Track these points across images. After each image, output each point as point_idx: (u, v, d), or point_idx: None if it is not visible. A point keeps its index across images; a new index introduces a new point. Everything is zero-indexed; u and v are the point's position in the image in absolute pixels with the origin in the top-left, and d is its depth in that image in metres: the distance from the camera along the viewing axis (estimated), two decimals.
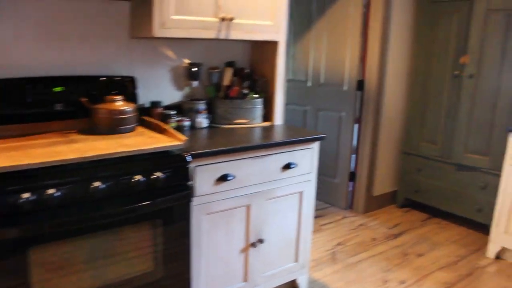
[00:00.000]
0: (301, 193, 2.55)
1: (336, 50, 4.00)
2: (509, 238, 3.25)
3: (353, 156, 4.10)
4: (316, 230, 3.72)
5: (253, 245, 2.35)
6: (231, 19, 2.34)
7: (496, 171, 3.46)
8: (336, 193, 4.24)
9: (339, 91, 4.04)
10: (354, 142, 4.06)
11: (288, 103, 4.47)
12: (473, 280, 3.03)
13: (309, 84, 4.27)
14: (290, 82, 4.43)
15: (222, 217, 2.21)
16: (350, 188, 4.17)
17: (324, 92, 4.16)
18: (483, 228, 3.70)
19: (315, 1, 4.11)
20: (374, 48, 3.80)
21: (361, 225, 3.85)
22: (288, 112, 4.49)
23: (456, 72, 3.64)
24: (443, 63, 3.74)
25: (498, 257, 3.36)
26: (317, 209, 4.16)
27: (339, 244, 3.49)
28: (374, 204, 4.17)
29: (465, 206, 3.75)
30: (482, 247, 3.51)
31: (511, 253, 3.32)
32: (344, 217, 4.00)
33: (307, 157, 2.50)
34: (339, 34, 3.95)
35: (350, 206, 4.20)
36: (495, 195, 3.38)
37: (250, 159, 2.23)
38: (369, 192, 4.09)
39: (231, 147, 2.12)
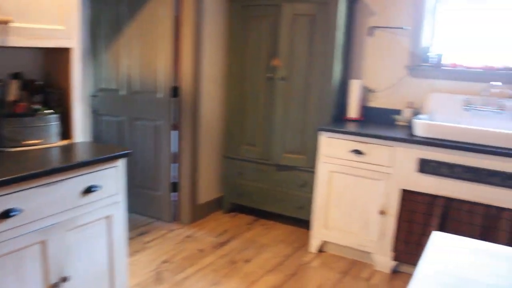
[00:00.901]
0: (109, 217, 2.23)
1: (149, 56, 3.74)
2: (328, 232, 3.40)
3: (176, 165, 3.89)
4: (140, 249, 3.42)
5: (56, 286, 1.97)
6: (6, 22, 1.91)
7: (312, 169, 3.59)
8: (160, 206, 3.98)
9: (154, 98, 3.79)
10: (175, 150, 3.86)
11: (102, 114, 4.06)
12: (299, 278, 3.08)
13: (123, 93, 3.93)
14: (103, 92, 4.03)
15: (9, 260, 1.78)
16: (174, 199, 3.95)
17: (139, 100, 3.87)
18: (306, 225, 3.82)
19: (124, 3, 3.78)
20: (187, 53, 3.64)
21: (188, 237, 3.67)
22: (103, 124, 4.09)
23: (269, 75, 3.69)
24: (257, 66, 3.76)
25: (320, 250, 3.49)
26: (141, 225, 3.86)
27: (164, 261, 3.24)
28: (200, 212, 4.03)
29: (288, 205, 3.83)
30: (306, 243, 3.62)
31: (331, 245, 3.47)
32: (170, 231, 3.77)
33: (112, 177, 2.19)
34: (151, 39, 3.70)
35: (175, 218, 3.98)
36: (313, 192, 3.50)
37: (41, 187, 1.84)
38: (194, 201, 3.93)
39: (12, 176, 1.70)
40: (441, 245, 1.44)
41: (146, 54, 3.75)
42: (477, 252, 1.41)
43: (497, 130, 2.87)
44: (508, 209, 2.80)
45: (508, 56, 3.40)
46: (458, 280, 1.23)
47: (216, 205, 4.22)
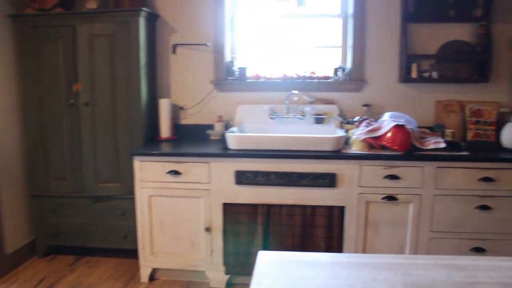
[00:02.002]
0: None
1: None
2: (157, 258, 3.26)
3: None
4: None
5: None
6: None
7: (130, 196, 3.40)
8: None
9: None
10: None
11: None
12: None
13: None
14: None
15: None
16: None
17: None
18: (134, 254, 3.61)
19: None
20: None
21: None
22: None
23: (72, 101, 3.40)
24: (57, 93, 3.43)
25: (152, 278, 3.33)
26: None
27: None
28: (10, 263, 3.51)
29: (111, 237, 3.58)
30: (136, 274, 3.41)
31: (163, 272, 3.34)
32: None
33: None
34: None
35: None
36: (135, 219, 3.32)
37: None
38: (1, 252, 3.41)
39: None
40: (268, 263, 1.44)
41: None
42: (302, 264, 1.44)
43: (299, 135, 3.09)
44: (321, 206, 3.03)
45: (302, 66, 3.71)
46: None
47: (29, 251, 3.73)
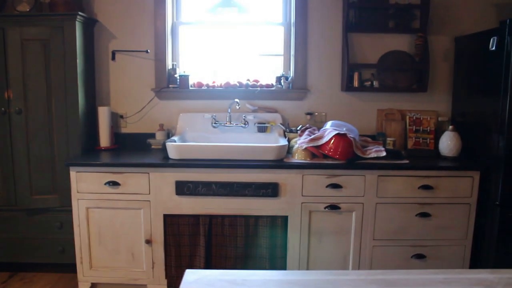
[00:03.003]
0: None
1: None
2: (96, 272, 3.13)
3: None
4: None
5: None
6: None
7: (68, 207, 3.24)
8: None
9: None
10: None
11: None
12: None
13: None
14: None
15: None
16: None
17: None
18: (72, 268, 3.44)
19: None
20: None
21: None
22: None
23: (3, 109, 3.21)
24: None
25: None
26: None
27: None
28: None
29: (47, 251, 3.41)
30: None
31: (102, 286, 3.21)
32: None
33: None
34: None
35: None
36: (73, 232, 3.17)
37: None
38: None
39: None
40: (192, 283, 1.37)
41: None
42: (229, 284, 1.38)
43: (241, 144, 3.05)
44: (264, 216, 2.99)
45: (245, 74, 3.68)
46: None
47: None
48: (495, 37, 2.86)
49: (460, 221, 3.03)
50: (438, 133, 3.38)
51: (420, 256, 3.06)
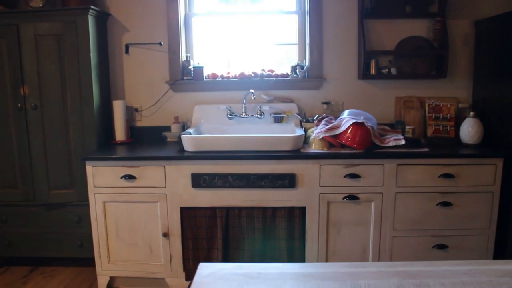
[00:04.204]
0: None
1: None
2: (114, 266, 3.14)
3: None
4: None
5: None
6: None
7: (85, 202, 3.25)
8: None
9: None
10: None
11: None
12: None
13: None
14: None
15: None
16: None
17: None
18: (91, 262, 3.46)
19: None
20: None
21: None
22: None
23: (19, 105, 3.23)
24: (2, 97, 3.25)
25: (110, 287, 3.19)
26: None
27: None
28: None
29: (66, 246, 3.43)
30: (93, 282, 3.27)
31: (121, 280, 3.22)
32: None
33: None
34: None
35: None
36: (91, 226, 3.18)
37: None
38: None
39: None
40: (206, 277, 1.34)
41: None
42: (244, 277, 1.34)
43: (257, 135, 3.01)
44: (281, 207, 2.95)
45: (260, 64, 3.64)
46: None
47: None
48: None
49: (483, 210, 2.94)
50: (458, 120, 3.29)
51: (441, 247, 2.99)
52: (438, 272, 1.39)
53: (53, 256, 3.51)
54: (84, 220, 3.34)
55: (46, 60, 3.17)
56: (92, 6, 3.15)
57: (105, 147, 3.32)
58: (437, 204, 2.94)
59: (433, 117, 3.35)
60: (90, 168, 3.00)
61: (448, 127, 3.32)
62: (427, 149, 2.97)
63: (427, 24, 3.43)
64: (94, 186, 3.03)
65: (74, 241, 3.42)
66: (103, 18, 3.45)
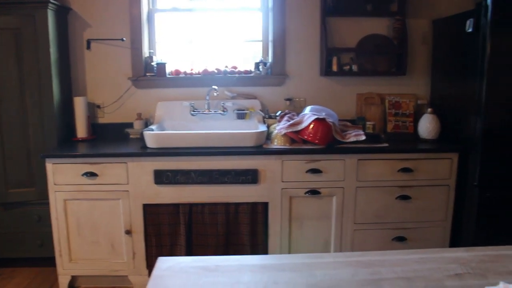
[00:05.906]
0: None
1: None
2: (75, 265, 3.09)
3: None
4: None
5: None
6: None
7: (46, 200, 3.18)
8: None
9: None
10: None
11: None
12: None
13: None
14: None
15: None
16: None
17: None
18: (52, 262, 3.39)
19: None
20: None
21: None
22: None
23: None
24: None
25: (72, 287, 3.15)
26: None
27: None
28: None
29: (26, 246, 3.36)
30: (54, 282, 3.21)
31: (83, 279, 3.17)
32: None
33: None
34: None
35: None
36: (51, 225, 3.12)
37: None
38: None
39: None
40: (165, 271, 1.35)
41: None
42: (202, 270, 1.36)
43: (220, 131, 3.02)
44: (244, 203, 2.98)
45: (223, 60, 3.64)
46: None
47: None
48: (472, 19, 2.86)
49: (439, 203, 3.05)
50: (417, 116, 3.39)
51: (401, 239, 3.07)
52: (391, 261, 1.44)
53: (13, 256, 3.42)
54: (44, 219, 3.27)
55: (3, 54, 3.08)
56: (51, 0, 3.09)
57: (66, 144, 3.27)
58: (396, 198, 3.02)
59: (393, 113, 3.43)
60: (50, 166, 2.95)
61: (407, 123, 3.41)
62: (386, 144, 3.04)
63: (387, 22, 3.51)
64: (55, 184, 2.97)
65: (34, 240, 3.34)
66: (63, 13, 3.38)
